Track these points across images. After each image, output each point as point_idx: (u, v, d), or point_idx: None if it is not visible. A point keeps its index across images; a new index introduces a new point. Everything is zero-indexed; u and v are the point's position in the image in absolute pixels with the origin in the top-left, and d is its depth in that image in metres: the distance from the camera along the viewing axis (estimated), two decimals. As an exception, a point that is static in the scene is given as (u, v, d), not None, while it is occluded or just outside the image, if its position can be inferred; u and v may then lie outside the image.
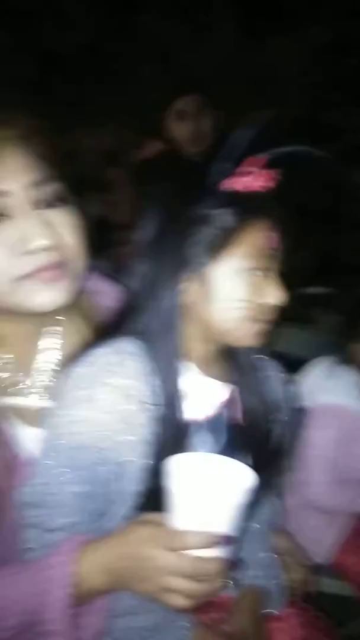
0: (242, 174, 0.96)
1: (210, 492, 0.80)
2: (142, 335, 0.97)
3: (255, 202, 0.95)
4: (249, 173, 0.96)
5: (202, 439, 1.00)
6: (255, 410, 1.07)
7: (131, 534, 0.85)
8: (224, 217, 0.93)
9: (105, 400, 0.91)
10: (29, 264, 0.91)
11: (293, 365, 1.20)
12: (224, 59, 3.67)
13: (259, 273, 0.95)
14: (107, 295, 1.16)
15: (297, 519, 1.73)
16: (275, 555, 1.17)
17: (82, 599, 0.88)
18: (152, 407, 0.93)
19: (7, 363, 1.02)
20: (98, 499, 0.95)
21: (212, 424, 1.03)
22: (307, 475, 1.69)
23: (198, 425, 1.00)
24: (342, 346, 1.79)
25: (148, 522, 0.86)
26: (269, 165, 0.97)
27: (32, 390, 1.04)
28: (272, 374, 1.13)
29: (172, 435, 0.94)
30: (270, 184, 0.97)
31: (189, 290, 0.96)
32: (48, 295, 0.94)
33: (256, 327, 0.97)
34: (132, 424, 0.93)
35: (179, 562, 0.80)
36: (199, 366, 1.02)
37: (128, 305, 1.00)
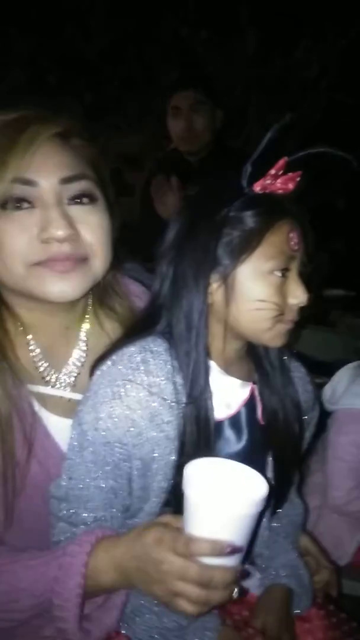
0: (265, 177, 0.97)
1: (223, 500, 0.80)
2: (168, 334, 0.99)
3: (278, 204, 0.97)
4: (271, 175, 0.97)
5: (223, 437, 1.03)
6: (276, 410, 1.08)
7: (145, 536, 0.85)
8: (247, 218, 0.95)
9: (129, 397, 0.93)
10: (44, 251, 0.95)
11: (311, 366, 1.21)
12: (244, 64, 3.68)
13: (282, 274, 0.96)
14: (138, 296, 1.19)
15: (320, 521, 1.73)
16: (300, 556, 1.17)
17: (93, 592, 0.89)
18: (176, 404, 0.95)
19: (34, 351, 1.06)
20: (123, 494, 0.97)
21: (232, 422, 1.04)
22: (331, 479, 1.69)
23: (219, 423, 1.02)
24: None
25: (163, 525, 0.87)
26: (292, 167, 0.98)
27: (58, 381, 1.07)
28: (296, 374, 1.14)
29: (196, 433, 0.96)
30: (293, 186, 0.98)
31: (213, 290, 0.97)
32: (58, 285, 0.97)
33: (280, 328, 0.98)
34: (155, 421, 0.94)
35: (189, 568, 0.80)
36: (220, 365, 1.03)
37: (155, 305, 1.02)
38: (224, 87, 3.65)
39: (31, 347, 1.06)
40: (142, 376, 0.94)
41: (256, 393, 1.08)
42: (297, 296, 0.97)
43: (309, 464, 1.83)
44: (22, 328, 1.05)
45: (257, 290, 0.95)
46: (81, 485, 0.95)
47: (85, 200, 0.99)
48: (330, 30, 3.69)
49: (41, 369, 1.06)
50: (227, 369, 1.04)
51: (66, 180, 0.97)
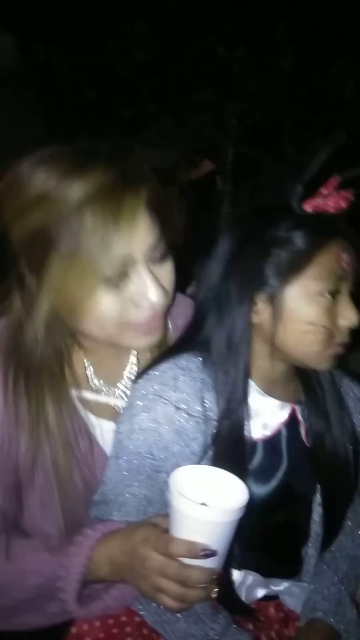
0: (316, 196, 0.96)
1: (199, 507, 0.82)
2: (205, 349, 0.99)
3: (329, 224, 0.95)
4: (323, 195, 0.96)
5: (257, 457, 1.01)
6: (321, 433, 1.05)
7: (135, 534, 0.90)
8: (297, 239, 0.93)
9: (156, 411, 0.96)
10: (136, 315, 0.98)
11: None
12: (280, 80, 3.69)
13: (332, 295, 0.94)
14: (185, 313, 1.19)
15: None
16: (349, 594, 1.10)
17: (92, 581, 0.96)
18: (202, 421, 0.95)
19: (89, 368, 1.10)
20: (156, 504, 0.97)
21: (270, 444, 1.02)
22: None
23: (254, 444, 1.00)
24: None
25: (153, 524, 0.90)
26: (343, 186, 0.96)
27: (109, 390, 1.11)
28: (351, 394, 1.10)
29: (226, 451, 0.96)
30: (344, 205, 0.96)
31: (260, 310, 0.96)
32: (143, 341, 1.03)
33: (329, 351, 0.96)
34: (181, 436, 0.95)
35: (168, 566, 0.84)
36: (261, 385, 1.02)
37: (197, 321, 1.02)
38: (259, 104, 3.67)
39: (87, 369, 1.10)
40: (170, 392, 0.96)
41: (298, 414, 1.06)
42: (348, 317, 0.95)
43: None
44: (81, 351, 1.09)
45: (306, 312, 0.94)
46: (116, 492, 0.98)
47: (163, 259, 1.01)
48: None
49: (93, 382, 1.11)
50: (269, 389, 1.03)
51: (153, 247, 0.99)
